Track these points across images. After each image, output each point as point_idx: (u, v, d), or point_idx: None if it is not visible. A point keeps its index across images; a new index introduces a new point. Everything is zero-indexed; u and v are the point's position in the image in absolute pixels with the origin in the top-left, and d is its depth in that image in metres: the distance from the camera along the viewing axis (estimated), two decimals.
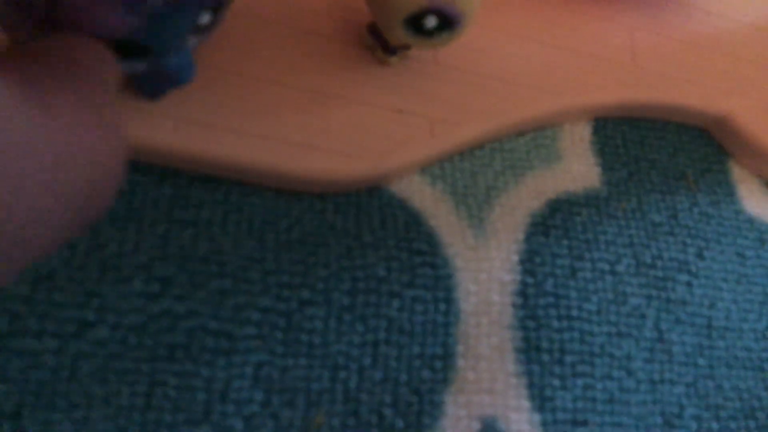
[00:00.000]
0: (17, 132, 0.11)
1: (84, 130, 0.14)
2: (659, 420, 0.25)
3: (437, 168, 0.27)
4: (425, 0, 0.22)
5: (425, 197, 0.27)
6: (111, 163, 0.15)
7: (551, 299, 0.26)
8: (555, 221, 0.28)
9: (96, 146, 0.14)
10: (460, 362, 0.24)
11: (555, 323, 0.25)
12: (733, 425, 0.26)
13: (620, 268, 0.28)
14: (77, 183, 0.13)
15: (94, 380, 0.20)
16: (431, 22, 0.23)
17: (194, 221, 0.23)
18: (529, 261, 0.26)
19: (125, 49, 0.19)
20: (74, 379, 0.20)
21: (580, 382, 0.25)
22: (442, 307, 0.25)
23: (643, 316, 0.27)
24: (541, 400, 0.24)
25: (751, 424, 0.27)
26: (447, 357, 0.24)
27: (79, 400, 0.20)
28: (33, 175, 0.12)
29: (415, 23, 0.23)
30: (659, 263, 0.28)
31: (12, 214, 0.11)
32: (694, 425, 0.26)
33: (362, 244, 0.25)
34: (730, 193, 0.32)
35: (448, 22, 0.23)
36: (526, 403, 0.24)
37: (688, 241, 0.29)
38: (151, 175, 0.24)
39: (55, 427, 0.20)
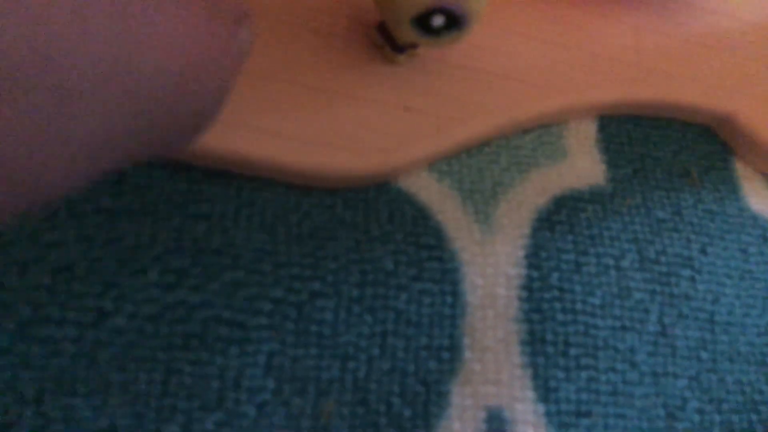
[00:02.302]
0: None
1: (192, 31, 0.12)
2: (662, 412, 0.26)
3: (444, 164, 0.28)
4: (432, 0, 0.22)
5: (432, 193, 0.27)
6: (212, 59, 0.13)
7: (556, 293, 0.26)
8: (560, 217, 0.28)
9: (190, 33, 0.13)
10: (467, 354, 0.25)
11: (560, 316, 0.26)
12: (735, 418, 0.27)
13: (624, 263, 0.28)
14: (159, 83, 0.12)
15: (112, 367, 0.21)
16: (438, 21, 0.23)
17: (208, 215, 0.24)
18: (534, 255, 0.27)
19: None
20: (93, 366, 0.21)
21: (584, 374, 0.25)
22: (449, 299, 0.25)
23: (646, 311, 0.27)
24: (545, 391, 0.25)
25: (753, 417, 0.27)
26: (453, 348, 0.25)
27: (98, 387, 0.21)
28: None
29: (422, 22, 0.23)
30: (663, 259, 0.29)
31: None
32: (696, 418, 0.26)
33: (371, 238, 0.25)
34: (734, 191, 0.32)
35: (455, 21, 0.23)
36: (530, 394, 0.24)
37: (692, 237, 0.30)
38: (166, 170, 0.24)
39: (75, 412, 0.20)
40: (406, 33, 0.24)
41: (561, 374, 0.25)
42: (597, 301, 0.27)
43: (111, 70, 0.10)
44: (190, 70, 0.12)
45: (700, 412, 0.26)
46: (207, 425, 0.21)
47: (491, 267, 0.26)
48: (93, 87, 0.10)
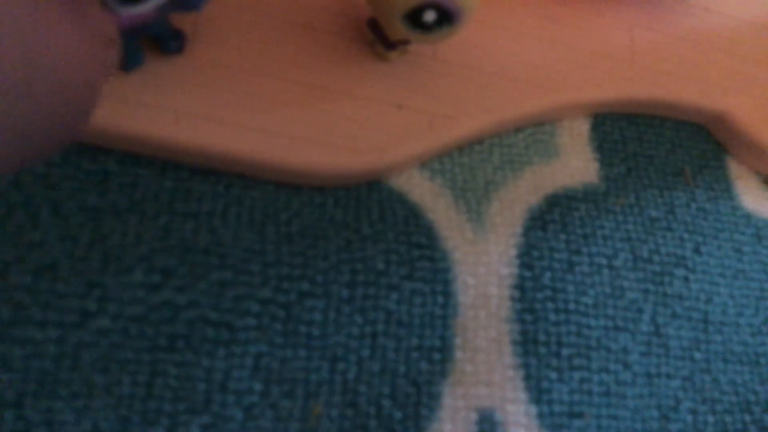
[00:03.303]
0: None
1: (67, 28, 0.14)
2: (655, 413, 0.26)
3: (436, 162, 0.28)
4: None
5: (424, 191, 0.27)
6: (91, 73, 0.15)
7: (549, 293, 0.26)
8: (553, 216, 0.28)
9: (78, 49, 0.14)
10: (458, 354, 0.24)
11: (552, 316, 0.26)
12: (728, 419, 0.27)
13: (617, 262, 0.28)
14: (46, 83, 0.13)
15: (95, 369, 0.21)
16: (430, 16, 0.23)
17: (195, 213, 0.24)
18: (527, 255, 0.27)
19: None
20: (76, 368, 0.20)
21: (576, 374, 0.25)
22: (441, 299, 0.25)
23: (639, 310, 0.27)
24: (537, 393, 0.24)
25: (747, 417, 0.27)
26: (445, 349, 0.24)
27: (81, 389, 0.20)
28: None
29: (414, 18, 0.23)
30: (656, 258, 0.29)
31: None
32: (689, 418, 0.26)
33: (361, 238, 0.25)
34: (728, 189, 0.32)
35: (447, 17, 0.23)
36: (523, 395, 0.24)
37: (686, 236, 0.30)
38: (153, 167, 0.24)
39: (57, 415, 0.20)
40: (398, 29, 0.24)
41: (553, 375, 0.25)
42: (590, 301, 0.27)
43: (19, 78, 0.12)
44: (74, 82, 0.14)
45: (694, 412, 0.26)
46: (193, 428, 0.21)
47: (483, 266, 0.26)
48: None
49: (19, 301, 0.20)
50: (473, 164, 0.28)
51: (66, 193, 0.22)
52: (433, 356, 0.24)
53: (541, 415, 0.24)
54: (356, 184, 0.26)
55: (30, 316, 0.20)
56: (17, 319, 0.20)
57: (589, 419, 0.25)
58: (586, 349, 0.26)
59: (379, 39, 0.26)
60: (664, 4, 0.34)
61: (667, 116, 0.33)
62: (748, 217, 0.31)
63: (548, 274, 0.27)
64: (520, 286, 0.26)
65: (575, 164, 0.30)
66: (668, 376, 0.26)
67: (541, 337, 0.25)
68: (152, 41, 0.24)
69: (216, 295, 0.22)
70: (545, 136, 0.30)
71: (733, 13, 0.35)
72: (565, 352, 0.25)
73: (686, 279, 0.29)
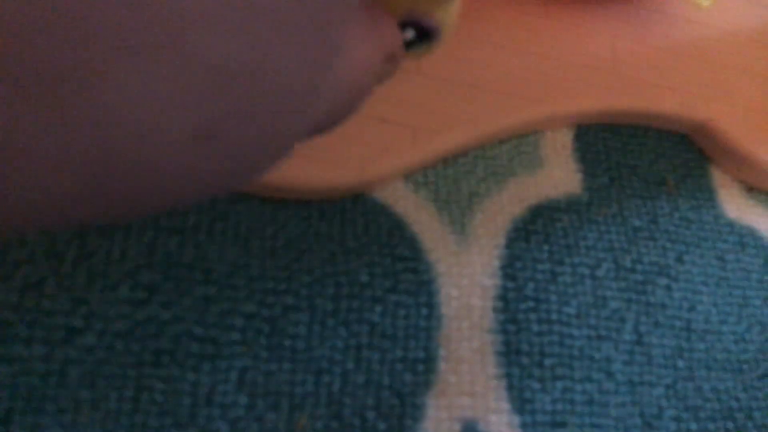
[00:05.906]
0: None
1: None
2: (638, 421, 0.26)
3: (420, 175, 0.28)
4: (402, 13, 0.22)
5: (408, 204, 0.27)
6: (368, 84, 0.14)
7: (531, 303, 0.26)
8: (536, 227, 0.28)
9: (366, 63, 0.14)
10: (442, 365, 0.25)
11: (535, 327, 0.26)
12: (711, 426, 0.27)
13: (600, 272, 0.28)
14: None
15: (82, 385, 0.21)
16: (409, 34, 0.23)
17: (180, 228, 0.24)
18: (510, 266, 0.27)
19: None
20: (63, 384, 0.21)
21: (559, 384, 0.25)
22: (424, 311, 0.25)
23: (622, 320, 0.27)
24: (520, 402, 0.25)
25: (730, 425, 0.27)
26: (428, 360, 0.25)
27: (68, 405, 0.21)
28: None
29: None
30: (639, 267, 0.29)
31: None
32: (673, 426, 0.26)
33: (346, 250, 0.25)
34: (711, 198, 0.32)
35: (425, 35, 0.23)
36: (506, 405, 0.24)
37: (668, 245, 0.30)
38: None
39: (45, 431, 0.20)
40: None
41: (536, 385, 0.25)
42: (572, 311, 0.27)
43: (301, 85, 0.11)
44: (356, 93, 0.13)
45: (677, 420, 0.27)
46: None
47: (466, 278, 0.26)
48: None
49: (6, 318, 0.21)
50: (457, 176, 0.29)
51: None
52: (417, 368, 0.24)
53: (524, 425, 0.24)
54: (341, 198, 0.27)
55: (17, 333, 0.21)
56: (4, 337, 0.21)
57: (572, 428, 0.25)
58: (568, 359, 0.26)
59: None
60: (646, 16, 0.35)
61: (650, 126, 0.33)
62: (731, 225, 0.32)
63: (531, 285, 0.27)
64: (503, 297, 0.26)
65: (558, 175, 0.30)
66: (651, 385, 0.27)
67: (523, 348, 0.26)
68: None
69: (201, 311, 0.23)
70: (529, 147, 0.30)
71: (715, 24, 0.36)
72: (547, 362, 0.26)
73: (669, 288, 0.29)
